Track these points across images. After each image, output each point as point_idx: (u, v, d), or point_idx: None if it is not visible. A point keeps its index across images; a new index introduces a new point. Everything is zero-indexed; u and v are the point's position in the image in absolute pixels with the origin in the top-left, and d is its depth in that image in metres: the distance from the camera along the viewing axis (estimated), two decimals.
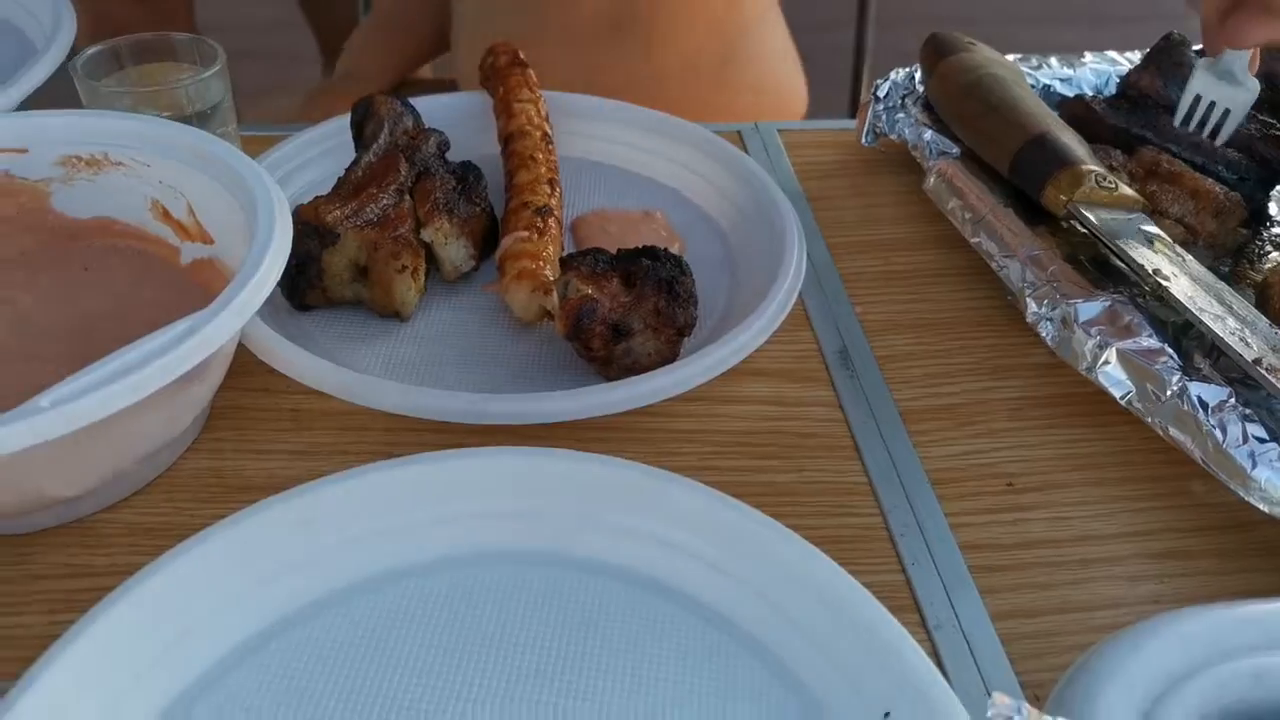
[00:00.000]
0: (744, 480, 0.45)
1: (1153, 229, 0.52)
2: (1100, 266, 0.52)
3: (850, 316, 0.56)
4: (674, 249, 0.57)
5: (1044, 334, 0.50)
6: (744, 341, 0.48)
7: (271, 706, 0.35)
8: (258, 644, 0.37)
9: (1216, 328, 0.44)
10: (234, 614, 0.37)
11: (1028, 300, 0.51)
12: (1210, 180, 0.57)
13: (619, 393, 0.46)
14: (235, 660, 0.36)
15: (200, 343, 0.37)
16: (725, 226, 0.61)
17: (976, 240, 0.56)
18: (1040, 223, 0.55)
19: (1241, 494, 0.41)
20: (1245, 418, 0.42)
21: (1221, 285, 0.48)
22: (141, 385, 0.35)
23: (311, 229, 0.50)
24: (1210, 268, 0.50)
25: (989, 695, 0.31)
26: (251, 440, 0.46)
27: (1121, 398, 0.46)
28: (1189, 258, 0.50)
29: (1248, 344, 0.44)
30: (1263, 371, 0.42)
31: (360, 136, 0.57)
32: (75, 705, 0.32)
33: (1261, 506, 0.41)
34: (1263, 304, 0.50)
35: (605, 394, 0.46)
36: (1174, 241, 0.53)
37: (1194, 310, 0.45)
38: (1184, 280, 0.48)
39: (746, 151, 0.68)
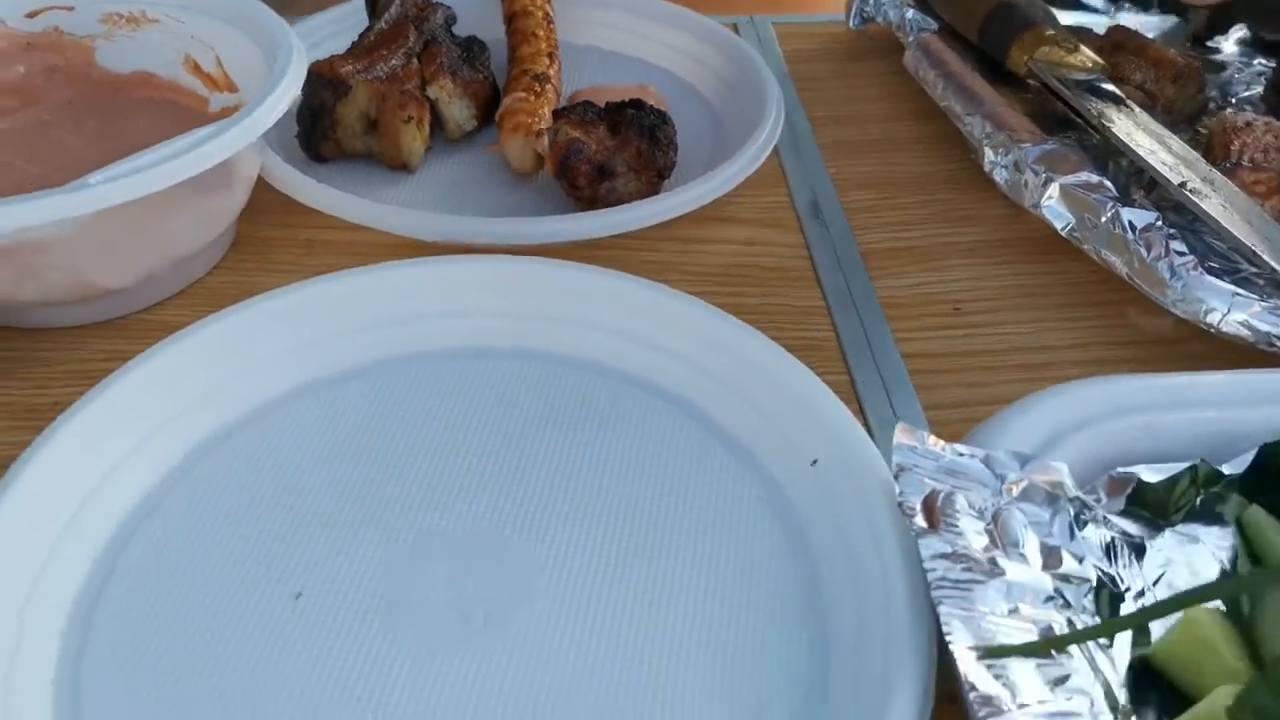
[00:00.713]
0: (714, 302, 0.50)
1: (1110, 87, 0.56)
2: (1061, 124, 0.56)
3: (824, 176, 0.60)
4: None
5: (998, 179, 0.53)
6: (720, 181, 0.53)
7: (271, 467, 0.40)
8: (254, 418, 0.42)
9: (1150, 159, 0.48)
10: (232, 391, 0.41)
11: (985, 149, 0.54)
12: (1173, 51, 0.60)
13: (607, 218, 0.50)
14: (235, 428, 0.41)
15: (222, 144, 0.42)
16: (714, 100, 0.65)
17: (945, 103, 0.59)
18: (1006, 85, 0.58)
19: (1161, 302, 0.45)
20: (1169, 237, 0.46)
21: (1166, 131, 0.51)
22: (174, 172, 0.41)
23: (325, 81, 0.55)
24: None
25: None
26: (270, 262, 0.52)
27: (1063, 229, 0.50)
28: (1139, 110, 0.53)
29: (1177, 171, 0.47)
30: (1187, 193, 0.46)
31: (374, 9, 0.62)
32: (86, 458, 0.37)
33: (1177, 311, 0.44)
34: (1209, 154, 0.53)
35: (595, 219, 0.50)
36: (1140, 104, 0.56)
37: (1131, 144, 0.49)
38: (1127, 123, 0.51)
39: None
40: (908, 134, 0.63)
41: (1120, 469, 0.37)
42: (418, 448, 0.41)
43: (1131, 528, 0.36)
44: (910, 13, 0.66)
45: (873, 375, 0.46)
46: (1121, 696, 0.30)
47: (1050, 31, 0.56)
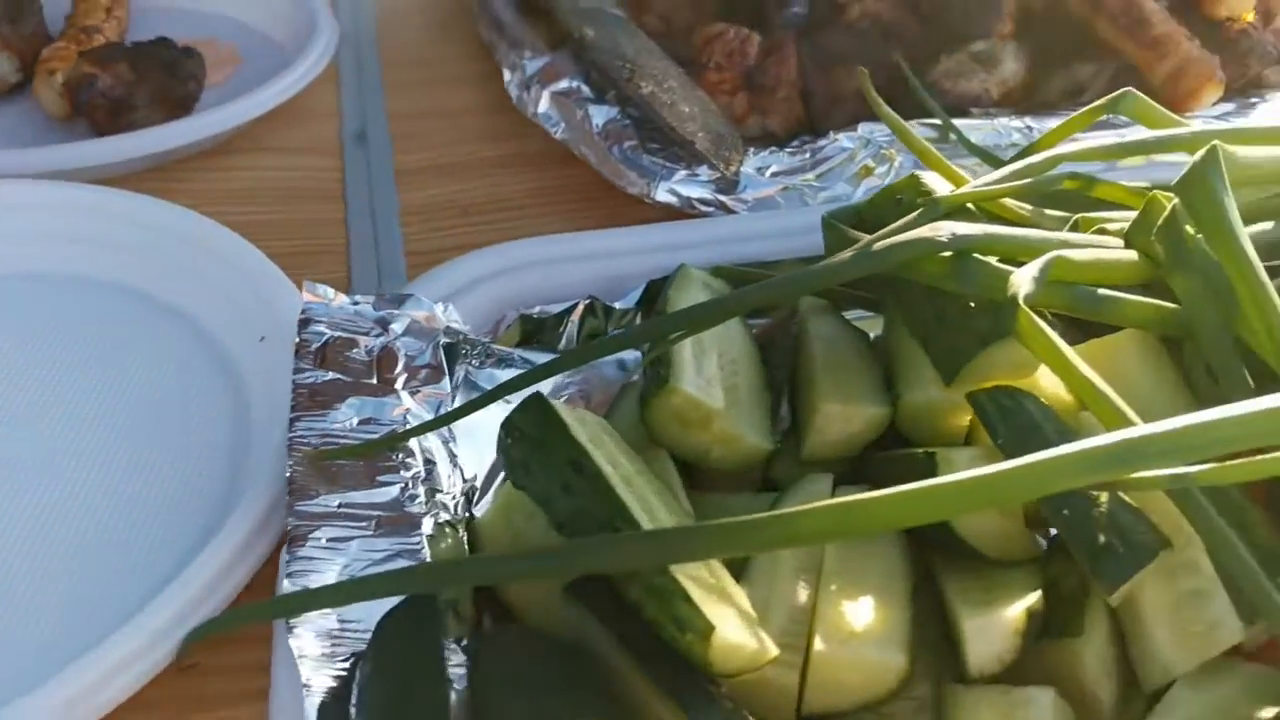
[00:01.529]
0: (230, 221, 0.52)
1: (618, 12, 0.62)
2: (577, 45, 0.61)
3: (380, 108, 0.63)
4: (230, 68, 0.64)
5: (512, 96, 0.58)
6: (254, 104, 0.56)
7: None
8: None
9: (614, 63, 0.54)
10: None
11: (505, 71, 0.59)
12: None
13: (122, 142, 0.52)
14: None
15: None
16: (286, 45, 0.68)
17: (487, 37, 0.64)
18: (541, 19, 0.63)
19: (619, 184, 0.51)
20: (624, 128, 0.52)
21: (647, 43, 0.58)
22: None
23: None
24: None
25: None
26: None
27: (556, 134, 0.55)
28: (629, 25, 0.59)
29: (628, 68, 0.53)
30: (629, 84, 0.52)
31: None
32: None
33: (630, 190, 0.50)
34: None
35: (110, 144, 0.52)
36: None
37: (598, 51, 0.55)
38: (608, 35, 0.57)
39: None
40: (467, 71, 0.68)
41: (520, 310, 0.42)
42: None
43: (535, 356, 0.41)
44: None
45: (371, 271, 0.50)
46: (449, 480, 0.35)
47: None
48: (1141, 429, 0.25)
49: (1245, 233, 0.31)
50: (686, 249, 0.44)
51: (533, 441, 0.30)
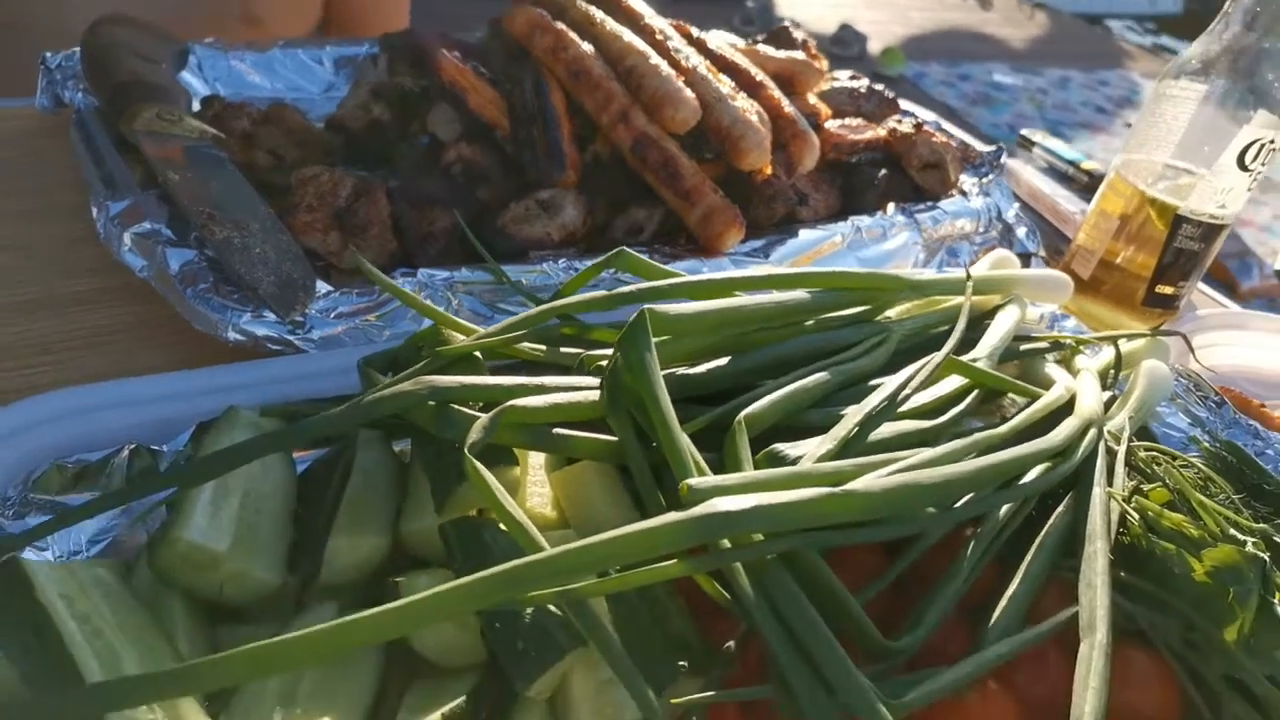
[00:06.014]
0: None
1: (217, 152, 0.65)
2: None
3: None
4: None
5: (100, 232, 0.59)
6: None
7: None
8: None
9: (193, 208, 0.56)
10: None
11: (93, 209, 0.60)
12: (305, 122, 0.71)
13: None
14: None
15: None
16: None
17: (85, 171, 0.65)
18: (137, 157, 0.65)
19: (193, 322, 0.53)
20: (200, 270, 0.54)
21: (241, 189, 0.61)
22: None
23: None
24: None
25: None
26: None
27: (139, 271, 0.56)
28: (235, 173, 0.62)
29: (204, 212, 0.56)
30: (211, 230, 0.55)
31: None
32: None
33: (200, 328, 0.52)
34: None
35: None
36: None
37: (179, 194, 0.57)
38: (195, 179, 0.60)
39: None
40: (67, 201, 0.68)
41: (56, 460, 0.43)
42: None
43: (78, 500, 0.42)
44: (80, 96, 0.71)
45: None
46: None
47: (150, 105, 0.64)
48: (543, 554, 0.30)
49: (663, 386, 0.38)
50: (240, 390, 0.47)
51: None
